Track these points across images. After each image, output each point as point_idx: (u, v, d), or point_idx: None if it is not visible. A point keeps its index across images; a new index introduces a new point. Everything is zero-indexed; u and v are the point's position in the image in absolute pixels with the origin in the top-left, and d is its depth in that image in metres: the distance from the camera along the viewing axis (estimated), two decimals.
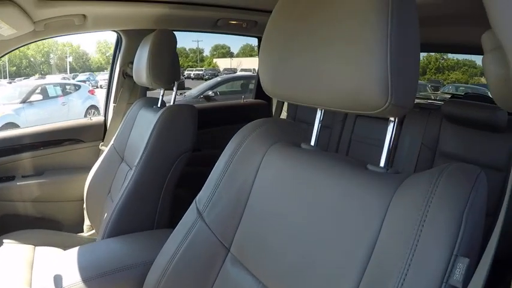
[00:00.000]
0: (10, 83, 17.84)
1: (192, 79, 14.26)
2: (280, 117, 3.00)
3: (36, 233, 1.92)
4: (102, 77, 21.72)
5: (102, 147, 2.46)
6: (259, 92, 3.13)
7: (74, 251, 1.44)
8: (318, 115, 0.98)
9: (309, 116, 2.96)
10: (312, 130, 1.00)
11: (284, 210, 0.89)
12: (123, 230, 1.62)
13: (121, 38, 2.46)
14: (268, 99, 3.16)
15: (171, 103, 1.91)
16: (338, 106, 0.78)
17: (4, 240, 1.80)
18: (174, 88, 1.94)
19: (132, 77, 2.16)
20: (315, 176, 0.86)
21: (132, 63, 2.12)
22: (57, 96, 10.57)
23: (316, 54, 0.78)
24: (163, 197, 1.70)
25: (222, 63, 17.39)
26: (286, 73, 0.86)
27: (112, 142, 2.15)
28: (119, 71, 2.50)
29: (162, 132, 1.68)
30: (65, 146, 2.45)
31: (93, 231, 2.21)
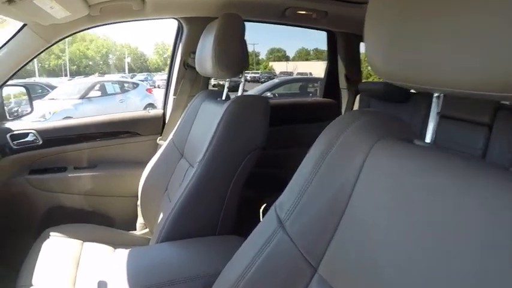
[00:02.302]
0: (70, 80, 18.49)
1: (248, 82, 14.21)
2: None
3: (85, 227, 1.88)
4: (160, 78, 22.21)
5: (160, 142, 2.32)
6: (328, 90, 2.89)
7: (124, 253, 1.31)
8: (435, 102, 0.73)
9: None
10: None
11: (400, 227, 0.64)
12: (181, 233, 1.44)
13: (182, 26, 2.33)
14: (337, 98, 2.90)
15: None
16: (465, 87, 0.54)
17: (51, 233, 1.77)
18: (242, 78, 1.73)
19: (193, 68, 2.05)
20: (445, 183, 0.60)
21: (194, 53, 1.99)
22: (115, 94, 10.85)
23: (438, 27, 0.57)
24: (228, 200, 1.50)
25: (278, 67, 17.23)
26: (401, 52, 0.64)
27: (171, 136, 1.99)
28: (180, 61, 2.35)
29: (230, 126, 1.48)
30: (120, 139, 2.35)
31: (147, 230, 2.08)
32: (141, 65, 44.73)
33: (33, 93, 11.73)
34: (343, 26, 2.66)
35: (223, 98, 1.83)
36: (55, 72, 36.61)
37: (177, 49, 2.38)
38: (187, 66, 2.33)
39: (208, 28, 1.71)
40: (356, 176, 0.74)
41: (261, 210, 2.35)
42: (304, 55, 16.77)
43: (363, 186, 0.73)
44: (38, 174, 2.18)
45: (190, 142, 1.81)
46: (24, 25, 1.90)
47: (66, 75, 33.04)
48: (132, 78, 17.11)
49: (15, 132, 2.15)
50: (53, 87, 12.80)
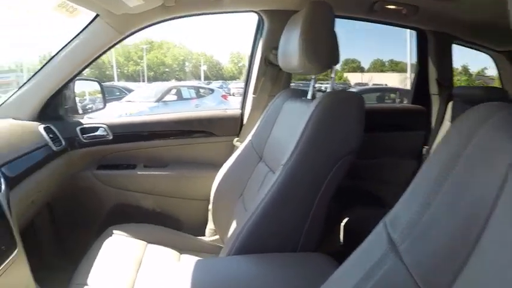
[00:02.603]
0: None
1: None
2: (443, 126, 2.43)
3: (150, 228, 1.80)
4: (235, 86, 22.57)
5: (237, 143, 2.16)
6: (417, 96, 2.59)
7: (191, 262, 1.18)
8: None
9: None
10: None
11: None
12: (257, 247, 1.25)
13: (262, 20, 2.17)
14: (427, 105, 2.59)
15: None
16: None
17: (114, 231, 1.71)
18: (332, 74, 1.52)
19: (275, 65, 1.94)
20: None
21: (275, 48, 1.80)
22: (190, 98, 11.07)
23: None
24: (314, 212, 1.28)
25: (353, 78, 16.87)
26: None
27: (249, 138, 1.83)
28: (261, 58, 2.18)
29: (320, 126, 1.26)
30: (194, 138, 2.22)
31: (217, 237, 1.94)
32: (216, 73, 45.99)
33: (111, 95, 12.40)
34: (435, 24, 2.39)
35: (309, 96, 1.63)
36: (133, 78, 38.51)
37: (257, 45, 2.22)
38: (269, 63, 2.15)
39: (293, 20, 1.52)
40: (499, 187, 0.51)
41: (342, 225, 2.13)
42: (379, 66, 16.43)
43: (509, 201, 0.50)
44: (106, 170, 2.14)
45: (270, 144, 1.63)
46: (97, 16, 1.85)
47: (143, 81, 34.60)
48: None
49: (85, 126, 2.11)
50: (130, 91, 13.42)
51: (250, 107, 2.21)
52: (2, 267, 1.11)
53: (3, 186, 1.31)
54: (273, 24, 2.13)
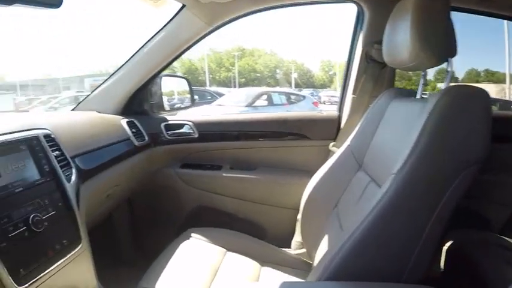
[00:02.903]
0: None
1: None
2: None
3: (231, 234, 1.69)
4: (325, 94, 22.39)
5: (333, 148, 1.94)
6: None
7: (274, 283, 1.01)
8: None
9: None
10: None
11: None
12: (355, 273, 1.04)
13: (362, 11, 1.93)
14: None
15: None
16: None
17: (193, 234, 1.63)
18: (449, 68, 1.26)
19: (377, 62, 1.83)
20: None
21: (378, 42, 1.64)
22: (281, 104, 11.10)
23: None
24: (428, 233, 1.02)
25: None
26: None
27: (348, 143, 1.61)
28: (361, 54, 1.94)
29: (440, 130, 1.02)
30: (286, 141, 2.04)
31: (303, 250, 1.75)
32: (307, 81, 46.11)
33: (203, 99, 12.89)
34: None
35: (418, 96, 1.40)
36: (225, 84, 39.66)
37: (357, 40, 1.99)
38: (370, 59, 1.92)
39: (400, 8, 1.30)
40: None
41: (444, 249, 1.85)
42: (474, 77, 15.58)
43: None
44: (190, 169, 2.05)
45: (373, 151, 1.42)
46: (183, 6, 1.77)
47: (235, 87, 35.51)
48: None
49: (170, 122, 2.05)
50: (221, 95, 13.91)
51: (349, 108, 1.98)
52: (61, 262, 1.10)
53: (73, 178, 1.28)
54: (374, 15, 1.90)
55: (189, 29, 1.82)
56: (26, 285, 1.01)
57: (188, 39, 1.84)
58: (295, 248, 1.82)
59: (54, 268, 1.10)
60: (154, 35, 1.85)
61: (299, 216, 1.70)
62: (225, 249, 1.56)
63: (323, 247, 1.37)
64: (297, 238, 1.81)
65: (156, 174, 2.03)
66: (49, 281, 1.09)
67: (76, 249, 1.18)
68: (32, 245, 1.06)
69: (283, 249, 1.75)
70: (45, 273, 1.07)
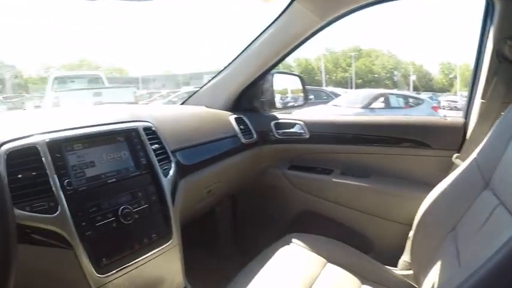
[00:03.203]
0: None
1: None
2: None
3: (334, 244, 1.56)
4: (445, 99, 21.15)
5: (457, 161, 1.71)
6: None
7: None
8: None
9: None
10: None
11: None
12: None
13: (492, 3, 1.68)
14: None
15: None
16: None
17: (293, 240, 1.53)
18: None
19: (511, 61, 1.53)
20: None
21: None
22: (399, 107, 10.75)
23: None
24: None
25: None
26: None
27: (474, 156, 1.40)
28: (491, 52, 1.69)
29: None
30: (404, 148, 1.85)
31: (410, 272, 1.56)
32: (425, 84, 44.13)
33: (319, 98, 12.93)
34: None
35: None
36: (341, 84, 39.30)
37: (486, 36, 1.74)
38: (502, 58, 1.67)
39: None
40: None
41: None
42: None
43: None
44: (298, 171, 1.95)
45: (504, 168, 1.20)
46: (293, 0, 1.68)
47: (351, 88, 35.04)
48: None
49: (280, 121, 1.97)
50: (337, 95, 13.90)
51: (476, 115, 1.74)
52: (147, 256, 1.11)
53: (171, 172, 1.27)
54: (507, 7, 1.64)
55: (300, 23, 1.73)
56: (107, 274, 1.02)
57: (299, 35, 1.76)
58: (401, 268, 1.64)
59: (139, 261, 1.11)
60: (265, 30, 1.79)
61: (411, 234, 1.53)
62: (325, 260, 1.45)
63: (434, 275, 1.21)
64: (405, 257, 1.63)
65: (262, 174, 1.98)
66: (132, 272, 1.10)
67: (165, 245, 1.18)
68: (118, 237, 1.07)
69: (388, 267, 1.59)
70: (128, 265, 1.08)
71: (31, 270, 0.98)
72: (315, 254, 1.46)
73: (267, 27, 1.78)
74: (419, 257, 1.45)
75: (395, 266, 1.65)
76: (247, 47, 1.83)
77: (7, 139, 0.97)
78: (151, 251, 1.14)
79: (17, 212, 0.90)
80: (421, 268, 1.39)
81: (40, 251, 0.97)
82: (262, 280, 1.31)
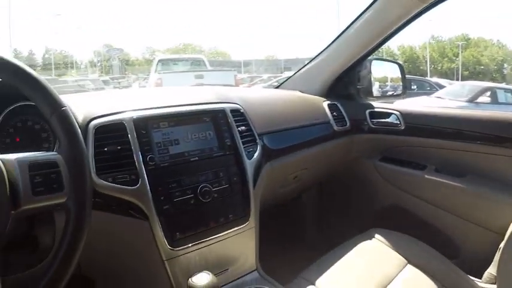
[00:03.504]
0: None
1: None
2: None
3: (419, 246, 1.47)
4: None
5: None
6: None
7: None
8: None
9: None
10: None
11: None
12: None
13: None
14: None
15: None
16: None
17: (376, 235, 1.49)
18: None
19: None
20: None
21: None
22: (507, 103, 10.01)
23: None
24: None
25: None
26: None
27: None
28: None
29: None
30: (506, 149, 1.66)
31: (495, 286, 1.43)
32: None
33: (422, 89, 12.56)
34: None
35: None
36: (446, 75, 37.20)
37: None
38: None
39: None
40: None
41: None
42: None
43: None
44: (390, 164, 1.86)
45: None
46: None
47: (457, 79, 33.06)
48: None
49: (376, 110, 1.88)
50: (441, 87, 13.54)
51: None
52: (221, 235, 1.14)
53: (255, 155, 1.27)
54: None
55: (399, 6, 1.61)
56: (178, 248, 1.07)
57: (398, 19, 1.64)
58: (485, 281, 1.50)
59: (213, 239, 1.14)
60: (362, 14, 1.70)
61: (502, 245, 1.39)
62: (406, 261, 1.38)
63: None
64: (492, 270, 1.50)
65: (352, 163, 1.92)
66: (205, 249, 1.13)
67: (241, 226, 1.20)
68: (195, 213, 1.11)
69: (472, 277, 1.48)
70: (201, 242, 1.12)
71: (107, 237, 1.06)
72: (396, 253, 1.41)
73: (365, 11, 1.69)
74: (507, 271, 1.32)
75: (480, 278, 1.52)
76: (344, 31, 1.76)
77: (96, 115, 1.04)
78: (226, 230, 1.16)
79: (100, 182, 0.98)
80: (508, 284, 1.29)
81: (118, 220, 1.05)
82: (337, 272, 1.30)
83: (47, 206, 0.75)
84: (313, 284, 1.23)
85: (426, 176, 1.74)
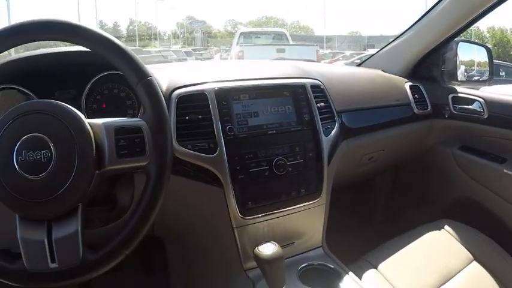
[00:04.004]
0: None
1: None
2: None
3: (488, 244, 1.42)
4: None
5: None
6: None
7: None
8: None
9: None
10: None
11: None
12: None
13: None
14: None
15: None
16: None
17: (446, 227, 1.45)
18: None
19: None
20: None
21: None
22: None
23: None
24: None
25: None
26: None
27: None
28: None
29: None
30: None
31: None
32: None
33: (510, 76, 11.50)
34: None
35: None
36: None
37: None
38: None
39: None
40: None
41: None
42: None
43: None
44: (469, 153, 1.75)
45: None
46: None
47: None
48: None
49: (459, 95, 1.77)
50: None
51: None
52: (292, 208, 1.17)
53: (332, 132, 1.27)
54: None
55: None
56: (249, 217, 1.12)
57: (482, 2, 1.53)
58: None
59: (282, 211, 1.17)
60: None
61: None
62: (472, 257, 1.34)
63: None
64: None
65: (429, 149, 1.85)
66: (273, 221, 1.16)
67: (312, 202, 1.21)
68: (268, 185, 1.13)
69: None
70: (271, 213, 1.15)
71: (181, 201, 1.12)
72: (463, 248, 1.37)
73: None
74: None
75: None
76: (430, 10, 1.68)
77: (179, 85, 1.09)
78: (297, 204, 1.18)
79: (180, 148, 1.03)
80: None
81: (193, 185, 1.10)
82: (400, 259, 1.30)
83: (129, 168, 0.80)
84: (375, 267, 1.24)
85: (505, 171, 1.62)
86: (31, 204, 0.73)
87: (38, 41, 0.81)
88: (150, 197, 0.80)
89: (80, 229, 0.75)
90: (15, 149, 0.72)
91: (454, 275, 1.26)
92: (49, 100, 0.79)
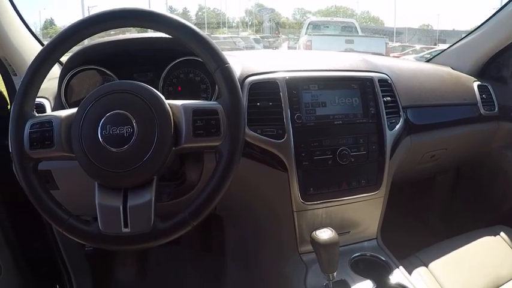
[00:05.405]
0: None
1: None
2: None
3: None
4: None
5: None
6: None
7: None
8: None
9: None
10: None
11: None
12: None
13: None
14: None
15: None
16: None
17: (502, 233, 1.43)
18: None
19: None
20: None
21: None
22: None
23: None
24: None
25: None
26: None
27: None
28: None
29: None
30: None
31: None
32: None
33: None
34: None
35: None
36: None
37: None
38: None
39: None
40: None
41: None
42: None
43: None
44: None
45: None
46: None
47: None
48: None
49: None
50: None
51: None
52: (350, 197, 1.20)
53: (397, 127, 1.28)
54: None
55: None
56: (309, 202, 1.17)
57: None
58: None
59: (341, 200, 1.21)
60: None
61: None
62: None
63: None
64: None
65: (493, 152, 1.78)
66: (332, 208, 1.21)
67: (371, 193, 1.24)
68: (330, 173, 1.18)
69: None
70: (330, 201, 1.20)
71: (246, 182, 1.15)
72: None
73: None
74: None
75: None
76: (503, 7, 1.62)
77: (252, 72, 1.15)
78: (356, 194, 1.21)
79: (250, 132, 1.10)
80: None
81: (260, 168, 1.15)
82: (452, 260, 1.30)
83: (203, 147, 0.87)
84: (426, 266, 1.24)
85: None
86: (112, 173, 0.80)
87: (125, 27, 0.89)
88: (221, 174, 0.84)
89: (153, 199, 0.81)
90: (100, 123, 0.80)
91: (505, 283, 1.24)
92: (133, 81, 0.86)
